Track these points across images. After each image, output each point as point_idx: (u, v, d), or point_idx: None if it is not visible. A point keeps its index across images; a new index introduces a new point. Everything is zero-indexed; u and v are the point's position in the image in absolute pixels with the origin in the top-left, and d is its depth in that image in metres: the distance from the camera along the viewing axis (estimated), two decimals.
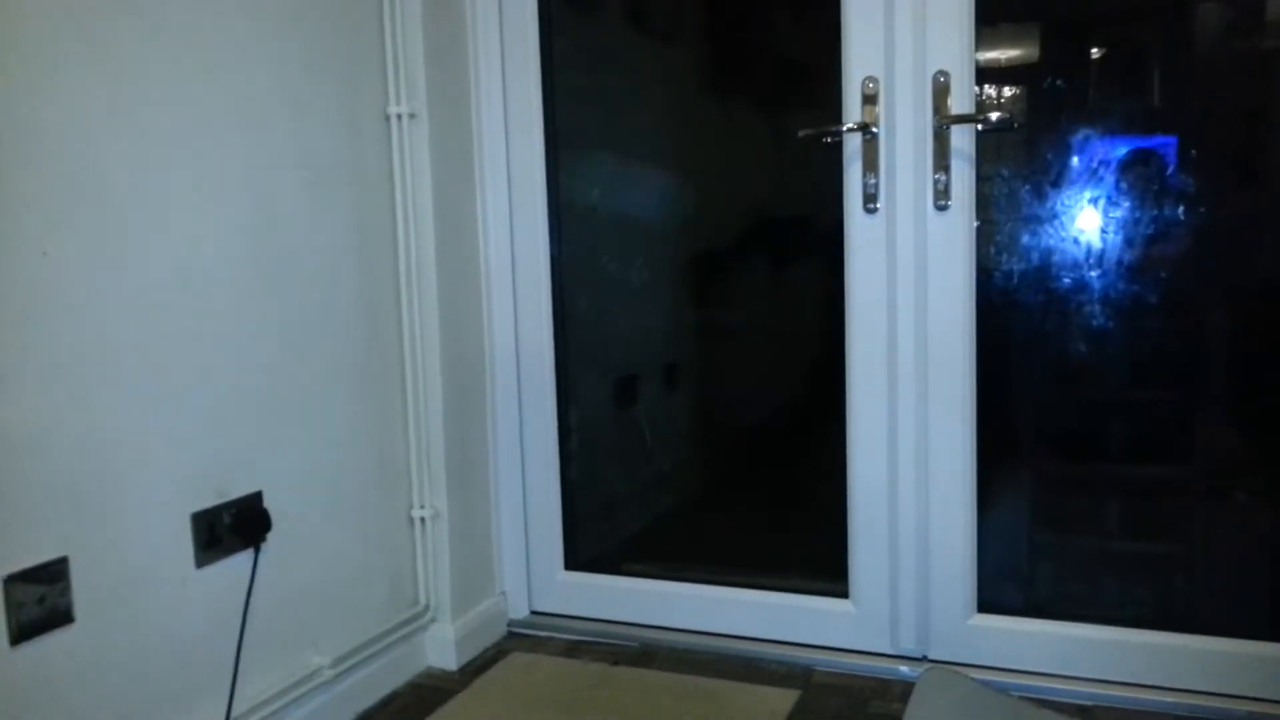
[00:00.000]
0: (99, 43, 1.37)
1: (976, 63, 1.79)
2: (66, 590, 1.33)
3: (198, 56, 1.52)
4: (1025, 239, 1.83)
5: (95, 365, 1.37)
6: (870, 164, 1.85)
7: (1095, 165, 1.78)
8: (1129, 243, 1.77)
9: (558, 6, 2.13)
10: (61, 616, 1.32)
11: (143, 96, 1.43)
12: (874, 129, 1.84)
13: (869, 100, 1.84)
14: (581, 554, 2.25)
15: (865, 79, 1.83)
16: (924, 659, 1.94)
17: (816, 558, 2.03)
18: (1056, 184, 1.80)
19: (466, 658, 2.07)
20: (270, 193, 1.66)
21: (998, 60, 1.82)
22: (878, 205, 1.85)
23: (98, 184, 1.37)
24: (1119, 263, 1.78)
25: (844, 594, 1.99)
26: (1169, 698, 1.75)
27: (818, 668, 1.97)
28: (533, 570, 2.23)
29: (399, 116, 1.93)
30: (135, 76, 1.42)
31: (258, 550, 1.64)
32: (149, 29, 1.44)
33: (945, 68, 1.78)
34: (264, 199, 1.65)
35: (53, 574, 1.31)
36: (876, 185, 1.85)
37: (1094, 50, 1.80)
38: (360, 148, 1.87)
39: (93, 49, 1.36)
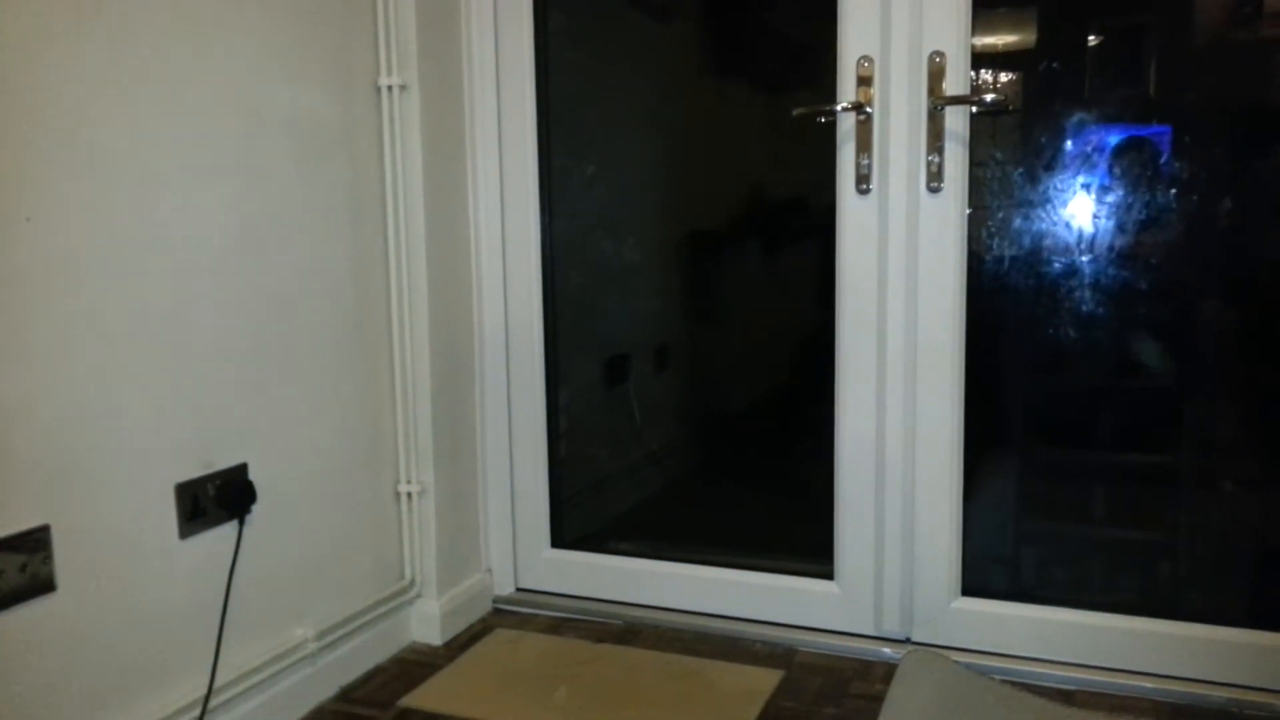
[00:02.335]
0: (89, 10, 1.35)
1: (972, 45, 1.78)
2: (48, 559, 1.32)
3: (189, 25, 1.50)
4: (1017, 223, 1.82)
5: (79, 333, 1.36)
6: (864, 144, 1.84)
7: (1089, 151, 1.78)
8: (1120, 229, 1.77)
9: None
10: (43, 585, 1.32)
11: (133, 64, 1.41)
12: (868, 109, 1.83)
13: (863, 80, 1.83)
14: (568, 532, 2.25)
15: (860, 58, 1.82)
16: (907, 641, 1.94)
17: (802, 539, 2.04)
18: (1050, 168, 1.80)
19: (451, 633, 2.07)
20: (259, 163, 1.65)
21: (994, 45, 1.81)
22: (870, 186, 1.85)
23: (85, 151, 1.35)
24: (1110, 248, 1.78)
25: (829, 575, 1.99)
26: (1150, 683, 1.76)
27: (801, 648, 1.98)
28: (519, 547, 2.23)
29: (390, 88, 1.91)
30: (125, 43, 1.40)
31: (242, 522, 1.63)
32: None
33: (941, 48, 1.77)
34: (252, 170, 1.64)
35: (34, 542, 1.30)
36: (869, 166, 1.84)
37: (1091, 37, 1.79)
38: (351, 119, 1.85)
39: (83, 16, 1.34)
